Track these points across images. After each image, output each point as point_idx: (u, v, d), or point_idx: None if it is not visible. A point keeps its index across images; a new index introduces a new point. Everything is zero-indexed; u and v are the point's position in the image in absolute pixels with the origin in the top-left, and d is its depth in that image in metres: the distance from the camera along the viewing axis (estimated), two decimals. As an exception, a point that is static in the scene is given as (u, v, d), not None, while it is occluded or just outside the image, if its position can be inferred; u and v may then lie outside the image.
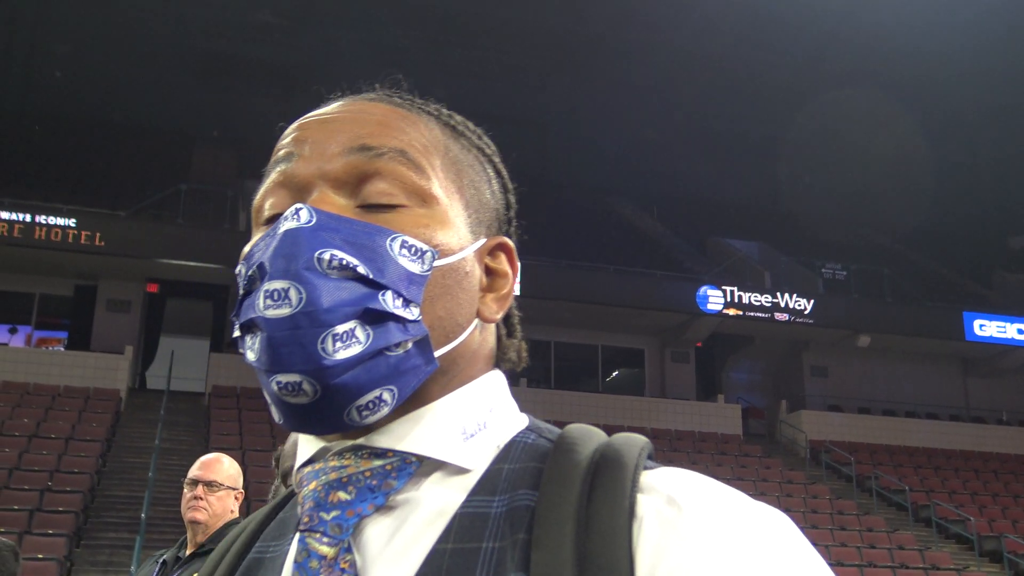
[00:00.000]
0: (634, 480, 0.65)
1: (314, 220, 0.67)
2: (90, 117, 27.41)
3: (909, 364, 24.88)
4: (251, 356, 0.67)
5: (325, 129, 0.74)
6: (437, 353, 0.69)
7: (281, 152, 0.75)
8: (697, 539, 0.60)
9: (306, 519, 0.68)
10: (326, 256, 0.65)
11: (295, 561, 0.68)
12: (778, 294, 22.37)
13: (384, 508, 0.68)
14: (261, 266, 0.67)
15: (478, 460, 0.70)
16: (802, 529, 0.64)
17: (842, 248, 27.29)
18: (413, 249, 0.69)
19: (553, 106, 30.91)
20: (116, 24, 27.65)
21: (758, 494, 16.25)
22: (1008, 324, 23.63)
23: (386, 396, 0.66)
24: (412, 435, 0.69)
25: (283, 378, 0.64)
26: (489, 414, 0.73)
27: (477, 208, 0.77)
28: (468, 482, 0.69)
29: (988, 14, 27.26)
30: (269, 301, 0.65)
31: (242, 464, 3.92)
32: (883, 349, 23.83)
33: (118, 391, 18.69)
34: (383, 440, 0.69)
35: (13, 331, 21.15)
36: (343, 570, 0.65)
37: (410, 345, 0.67)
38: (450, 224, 0.72)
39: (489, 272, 0.77)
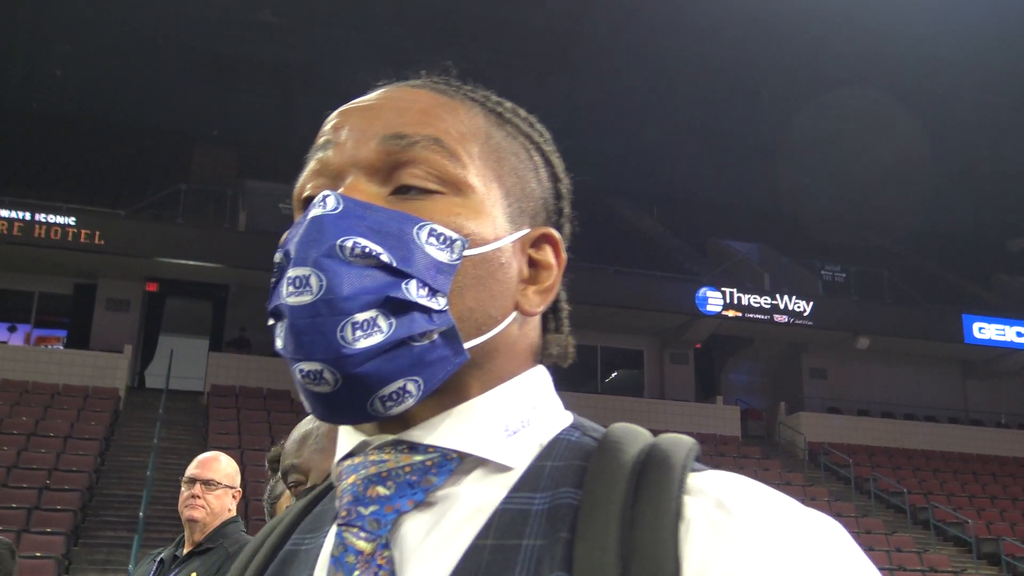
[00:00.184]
0: (681, 482, 0.63)
1: (340, 207, 0.67)
2: (90, 116, 27.43)
3: (908, 366, 24.88)
4: (278, 343, 0.67)
5: (362, 116, 0.73)
6: (467, 345, 0.68)
7: (320, 139, 0.74)
8: (748, 544, 0.59)
9: (344, 513, 0.68)
10: (348, 243, 0.65)
11: (331, 555, 0.67)
12: (777, 296, 22.37)
13: (423, 504, 0.67)
14: (287, 253, 0.67)
15: (520, 458, 0.69)
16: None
17: (842, 250, 27.29)
18: (442, 238, 0.67)
19: (553, 106, 30.93)
20: (116, 24, 27.66)
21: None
22: (1007, 327, 23.64)
23: (410, 387, 0.65)
24: (453, 431, 0.68)
25: (305, 366, 0.64)
26: (532, 411, 0.72)
27: (519, 197, 0.75)
28: (509, 479, 0.67)
29: (988, 17, 27.29)
30: (291, 288, 0.65)
31: (240, 463, 3.92)
32: (882, 351, 23.83)
33: (117, 390, 18.69)
34: (423, 435, 0.68)
35: (12, 329, 21.15)
36: (380, 566, 0.65)
37: (436, 336, 0.66)
38: (485, 213, 0.71)
39: (532, 264, 0.75)
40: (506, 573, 0.61)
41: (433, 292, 0.66)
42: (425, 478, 0.67)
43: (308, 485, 1.66)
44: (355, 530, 0.66)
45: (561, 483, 0.66)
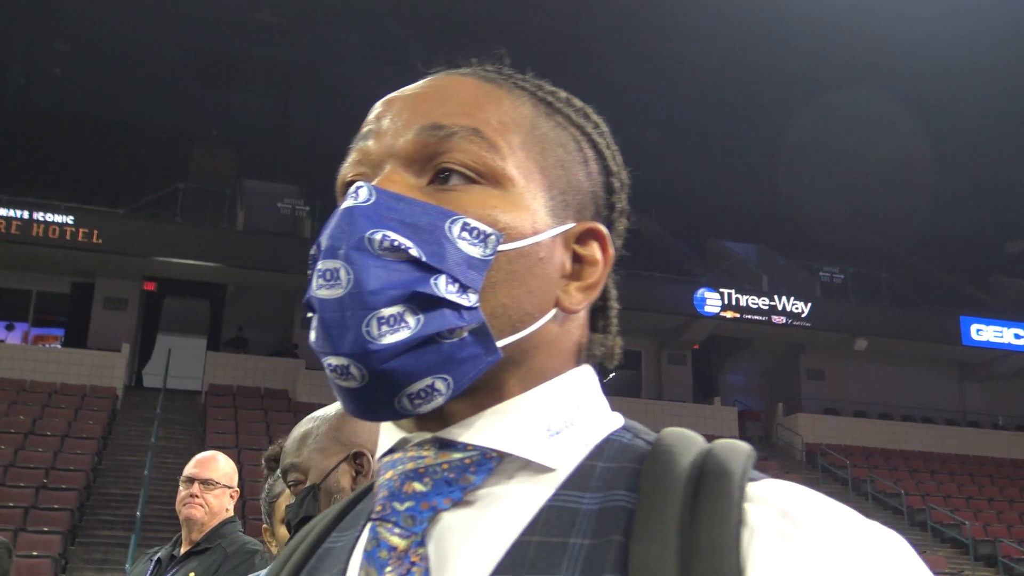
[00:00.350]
0: (741, 488, 0.62)
1: (372, 199, 0.65)
2: (89, 115, 27.40)
3: (906, 368, 24.91)
4: (311, 336, 0.66)
5: (404, 106, 0.72)
6: (501, 343, 0.66)
7: (364, 128, 0.74)
8: (814, 554, 0.58)
9: (379, 508, 0.67)
10: (377, 236, 0.63)
11: (365, 550, 0.67)
12: (775, 297, 22.40)
13: (461, 503, 0.65)
14: (318, 244, 0.66)
15: (564, 459, 0.67)
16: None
17: (840, 251, 27.31)
18: (475, 232, 0.66)
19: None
20: (115, 22, 27.63)
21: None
22: (1005, 329, 23.66)
23: (439, 385, 0.64)
24: (494, 430, 0.66)
25: (333, 360, 0.63)
26: (576, 411, 0.69)
27: (563, 190, 0.72)
28: (552, 479, 0.66)
29: (987, 19, 27.30)
30: (321, 281, 0.64)
31: (237, 463, 3.92)
32: (880, 353, 23.86)
33: (114, 389, 18.68)
34: (463, 434, 0.66)
35: (10, 328, 21.14)
36: (413, 563, 0.64)
37: (465, 333, 0.64)
38: (523, 206, 0.69)
39: (577, 259, 0.72)
40: (552, 570, 0.60)
41: (464, 288, 0.64)
42: (463, 476, 0.66)
43: (307, 484, 1.66)
44: (389, 525, 0.66)
45: (614, 485, 0.64)
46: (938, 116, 30.90)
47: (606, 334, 0.77)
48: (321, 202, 21.93)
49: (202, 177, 24.33)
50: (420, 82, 0.74)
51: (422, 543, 0.64)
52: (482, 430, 0.67)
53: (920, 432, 23.34)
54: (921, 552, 17.07)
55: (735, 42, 28.93)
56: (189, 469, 3.67)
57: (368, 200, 0.65)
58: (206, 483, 3.60)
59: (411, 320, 0.63)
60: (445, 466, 0.66)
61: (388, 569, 0.64)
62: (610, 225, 0.77)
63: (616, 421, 0.72)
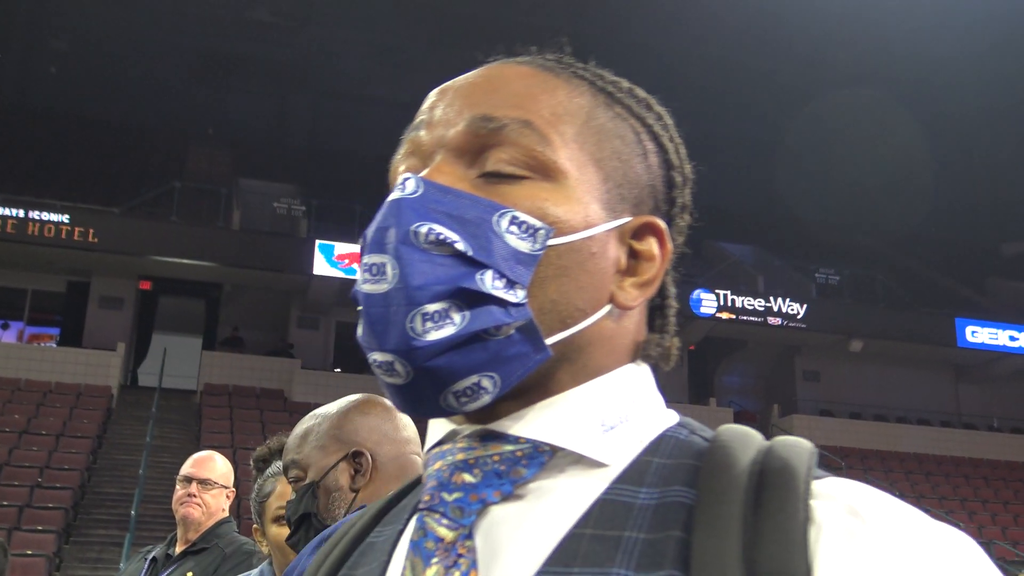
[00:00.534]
0: (807, 485, 0.60)
1: (420, 191, 0.64)
2: (85, 114, 27.36)
3: (901, 369, 24.93)
4: (359, 331, 0.64)
5: (456, 96, 0.70)
6: (550, 340, 0.64)
7: (417, 118, 0.72)
8: (884, 552, 0.57)
9: (427, 498, 0.66)
10: (423, 230, 0.62)
11: (411, 539, 0.65)
12: (771, 298, 22.41)
13: (512, 496, 0.64)
14: (364, 236, 0.65)
15: (617, 454, 0.65)
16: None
17: (835, 253, 27.33)
18: (524, 226, 0.64)
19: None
20: (112, 21, 27.61)
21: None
22: (1000, 331, 23.70)
23: (485, 383, 0.62)
24: (546, 423, 0.65)
25: (378, 356, 0.62)
26: (631, 407, 0.68)
27: (620, 183, 0.70)
28: (606, 475, 0.64)
29: (984, 19, 27.36)
30: (367, 275, 0.63)
31: (233, 462, 3.91)
32: (875, 354, 23.88)
33: (110, 388, 18.65)
34: (515, 427, 0.65)
35: (5, 327, 21.11)
36: (460, 555, 0.62)
37: (512, 330, 0.62)
38: (575, 199, 0.67)
39: (634, 255, 0.70)
40: (606, 563, 0.59)
41: (511, 284, 0.62)
42: (514, 469, 0.64)
43: (307, 481, 1.67)
44: (437, 516, 0.64)
45: (672, 481, 0.63)
46: (934, 118, 30.97)
47: (663, 334, 0.74)
48: (317, 202, 21.92)
49: (198, 176, 24.30)
50: (475, 71, 0.73)
51: (470, 536, 0.63)
52: (534, 423, 0.65)
53: (915, 434, 23.37)
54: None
55: (731, 44, 28.99)
56: (186, 468, 3.66)
57: (415, 192, 0.64)
58: (204, 483, 3.60)
59: (456, 316, 0.61)
60: (496, 458, 0.65)
61: (434, 560, 0.63)
62: (670, 220, 0.75)
63: (671, 418, 0.71)
